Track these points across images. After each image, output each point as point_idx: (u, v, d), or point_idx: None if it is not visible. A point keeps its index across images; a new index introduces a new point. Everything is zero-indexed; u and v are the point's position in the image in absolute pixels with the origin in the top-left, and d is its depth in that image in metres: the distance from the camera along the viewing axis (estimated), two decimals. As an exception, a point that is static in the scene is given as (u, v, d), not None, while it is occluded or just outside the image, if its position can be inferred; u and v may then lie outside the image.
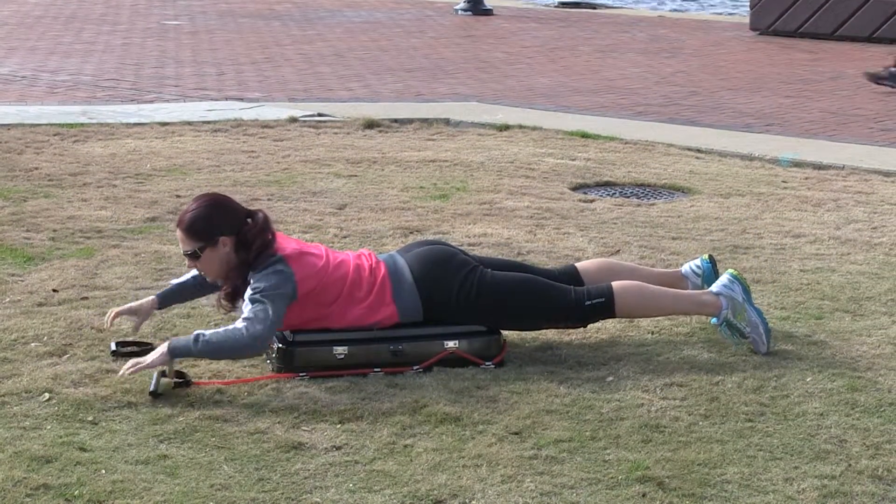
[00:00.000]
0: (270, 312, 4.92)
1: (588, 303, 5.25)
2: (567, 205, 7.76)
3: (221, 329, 4.94)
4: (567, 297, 5.26)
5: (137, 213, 7.38)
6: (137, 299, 5.82)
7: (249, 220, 5.10)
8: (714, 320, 5.35)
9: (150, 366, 4.82)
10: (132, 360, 4.88)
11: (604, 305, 5.27)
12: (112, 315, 5.27)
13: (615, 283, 5.31)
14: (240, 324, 4.92)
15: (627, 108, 11.29)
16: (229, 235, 5.05)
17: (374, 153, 9.11)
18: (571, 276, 5.43)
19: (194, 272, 5.32)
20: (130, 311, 5.31)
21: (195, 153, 9.00)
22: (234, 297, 5.11)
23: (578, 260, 6.01)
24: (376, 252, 5.46)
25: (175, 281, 5.45)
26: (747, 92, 12.23)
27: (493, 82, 12.60)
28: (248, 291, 4.99)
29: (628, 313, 5.37)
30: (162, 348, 4.86)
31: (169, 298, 5.40)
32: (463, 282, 5.18)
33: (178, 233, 5.12)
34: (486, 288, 5.19)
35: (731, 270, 5.43)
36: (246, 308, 4.97)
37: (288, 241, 5.20)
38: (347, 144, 9.43)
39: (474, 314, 5.20)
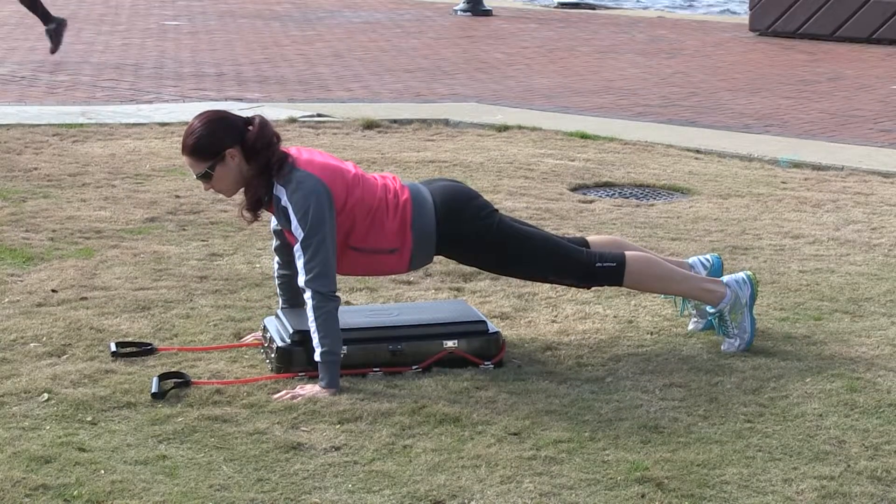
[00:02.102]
0: (322, 257, 4.89)
1: (599, 264, 5.25)
2: (566, 205, 7.76)
3: (311, 323, 4.87)
4: (580, 255, 5.27)
5: (136, 213, 7.38)
6: (136, 300, 5.83)
7: (250, 126, 5.07)
8: (711, 308, 5.37)
9: (312, 398, 4.77)
10: (290, 392, 4.82)
11: (615, 270, 5.26)
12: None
13: (628, 253, 5.32)
14: (307, 295, 4.88)
15: (627, 108, 11.29)
16: (234, 146, 5.01)
17: (373, 154, 9.11)
18: (581, 244, 5.43)
19: (276, 265, 5.33)
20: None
21: (194, 153, 8.99)
22: (257, 207, 5.07)
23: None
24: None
25: (277, 283, 5.40)
26: (746, 93, 12.23)
27: (492, 83, 12.60)
28: (295, 225, 4.93)
29: (636, 284, 5.35)
30: (319, 389, 4.81)
31: (292, 299, 5.34)
32: (482, 220, 5.18)
33: (186, 158, 5.06)
34: (502, 230, 5.20)
35: (749, 272, 5.44)
36: (299, 262, 4.93)
37: (314, 153, 5.15)
38: (347, 145, 9.43)
39: (486, 254, 5.22)
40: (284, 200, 4.97)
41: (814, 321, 5.71)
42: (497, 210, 5.29)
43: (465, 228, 5.17)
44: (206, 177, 5.03)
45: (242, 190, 5.08)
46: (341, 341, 4.91)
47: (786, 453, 4.39)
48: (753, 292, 5.37)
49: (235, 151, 5.00)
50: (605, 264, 5.26)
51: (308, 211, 4.92)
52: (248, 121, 5.10)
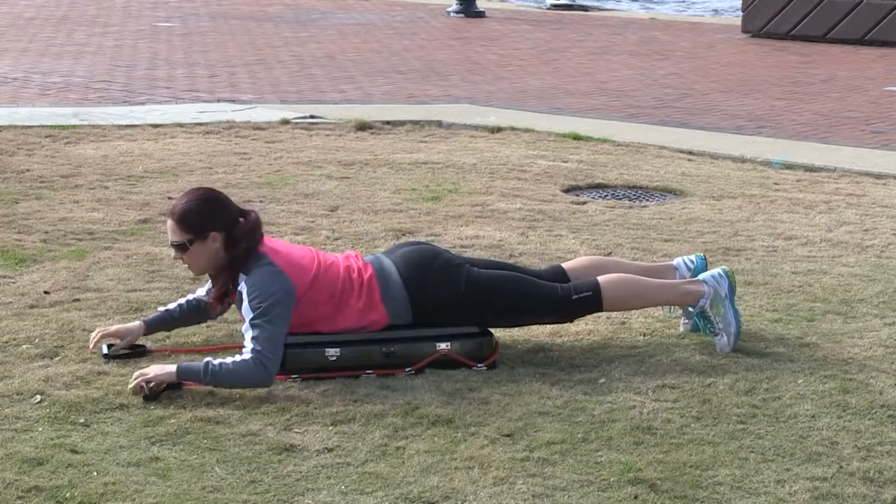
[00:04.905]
0: (275, 337, 4.89)
1: (575, 297, 5.27)
2: (559, 207, 7.76)
3: (230, 360, 4.85)
4: (554, 294, 5.27)
5: (129, 214, 7.37)
6: (129, 302, 5.83)
7: (242, 219, 5.09)
8: (691, 308, 5.38)
9: (155, 381, 4.77)
10: (139, 372, 4.84)
11: (591, 299, 5.28)
12: (97, 337, 5.21)
13: (601, 277, 5.33)
14: (247, 354, 4.86)
15: (619, 109, 11.30)
16: (220, 231, 5.03)
17: (366, 155, 9.11)
18: (559, 275, 5.44)
19: (181, 301, 5.36)
20: (117, 335, 5.23)
21: (187, 155, 9.00)
22: (223, 298, 5.11)
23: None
24: (363, 253, 5.45)
25: (162, 308, 5.39)
26: (739, 94, 12.24)
27: (485, 84, 12.60)
28: (246, 306, 4.94)
29: (616, 306, 5.38)
30: (170, 368, 4.81)
31: (155, 325, 5.34)
32: (450, 279, 5.19)
33: (169, 222, 5.08)
34: (472, 285, 5.20)
35: (724, 267, 5.46)
36: (247, 334, 4.92)
37: (276, 243, 5.19)
38: (339, 146, 9.43)
39: (462, 312, 5.20)
40: (242, 286, 5.00)
41: (806, 322, 5.71)
42: (463, 263, 5.27)
43: (434, 291, 5.17)
44: (181, 247, 5.05)
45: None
46: (224, 387, 4.84)
47: (778, 454, 4.39)
48: (731, 285, 5.39)
49: (218, 236, 5.03)
50: (580, 295, 5.28)
51: (265, 299, 4.91)
52: (244, 213, 5.10)
